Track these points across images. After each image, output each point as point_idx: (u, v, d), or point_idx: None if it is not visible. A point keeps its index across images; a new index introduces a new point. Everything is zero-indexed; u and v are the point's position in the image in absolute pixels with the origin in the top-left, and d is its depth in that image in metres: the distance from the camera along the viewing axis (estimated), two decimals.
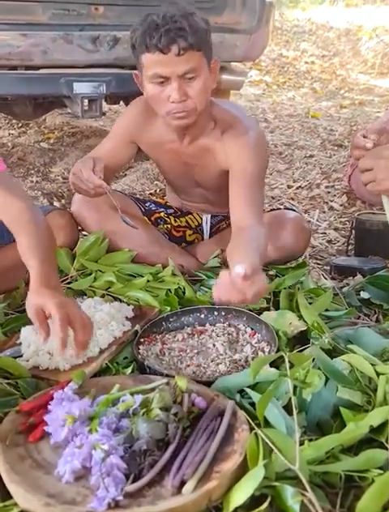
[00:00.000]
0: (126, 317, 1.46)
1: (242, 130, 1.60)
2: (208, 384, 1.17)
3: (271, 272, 1.73)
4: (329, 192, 2.97)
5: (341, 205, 2.79)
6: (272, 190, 2.98)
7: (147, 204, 1.95)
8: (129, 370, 1.26)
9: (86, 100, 2.73)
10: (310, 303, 1.47)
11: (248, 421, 1.01)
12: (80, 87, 2.68)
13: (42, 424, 1.01)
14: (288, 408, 1.03)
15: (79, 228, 1.80)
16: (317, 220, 2.60)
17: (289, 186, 3.07)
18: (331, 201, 2.85)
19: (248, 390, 1.11)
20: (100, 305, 1.48)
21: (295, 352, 1.23)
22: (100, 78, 2.70)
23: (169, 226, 1.95)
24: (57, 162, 3.42)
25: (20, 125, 4.29)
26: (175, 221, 1.96)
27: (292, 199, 2.88)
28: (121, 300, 1.56)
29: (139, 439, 0.93)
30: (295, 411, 0.98)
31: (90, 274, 1.65)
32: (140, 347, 1.37)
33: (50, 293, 1.21)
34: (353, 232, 2.17)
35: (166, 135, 1.66)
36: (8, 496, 0.91)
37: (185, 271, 1.74)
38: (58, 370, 1.24)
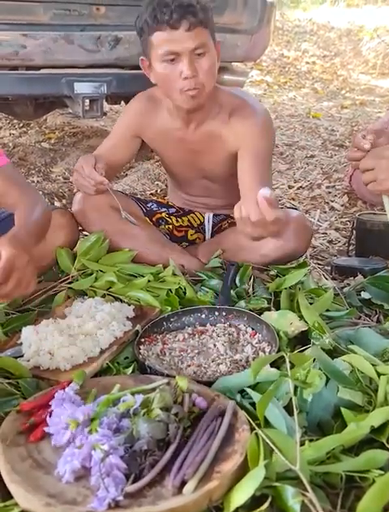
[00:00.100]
0: (127, 317, 1.46)
1: (250, 111, 1.62)
2: (209, 384, 1.17)
3: (271, 272, 1.73)
4: (330, 192, 2.97)
5: (342, 205, 2.79)
6: (273, 191, 2.98)
7: (148, 205, 1.95)
8: (129, 370, 1.26)
9: (87, 100, 2.74)
10: (311, 303, 1.46)
11: (249, 421, 1.01)
12: (81, 87, 2.68)
13: (43, 424, 1.01)
14: (288, 408, 1.03)
15: (80, 227, 1.80)
16: (318, 220, 2.60)
17: (290, 186, 3.07)
18: (332, 201, 2.85)
19: (249, 391, 1.10)
20: (101, 304, 1.48)
21: (296, 352, 1.23)
22: (101, 79, 2.71)
23: (171, 226, 1.95)
24: (58, 162, 3.42)
25: (21, 125, 4.30)
26: (177, 221, 1.96)
27: (293, 199, 2.88)
28: (121, 300, 1.55)
29: (140, 439, 0.93)
30: (296, 412, 0.98)
31: (91, 274, 1.65)
32: (141, 347, 1.37)
33: (9, 243, 1.25)
34: (354, 232, 2.17)
35: (171, 124, 1.67)
36: (9, 496, 0.91)
37: (186, 271, 1.74)
38: (59, 370, 1.24)
